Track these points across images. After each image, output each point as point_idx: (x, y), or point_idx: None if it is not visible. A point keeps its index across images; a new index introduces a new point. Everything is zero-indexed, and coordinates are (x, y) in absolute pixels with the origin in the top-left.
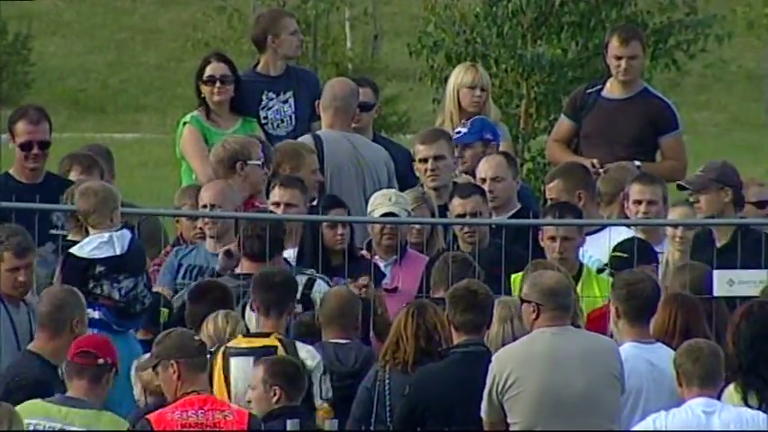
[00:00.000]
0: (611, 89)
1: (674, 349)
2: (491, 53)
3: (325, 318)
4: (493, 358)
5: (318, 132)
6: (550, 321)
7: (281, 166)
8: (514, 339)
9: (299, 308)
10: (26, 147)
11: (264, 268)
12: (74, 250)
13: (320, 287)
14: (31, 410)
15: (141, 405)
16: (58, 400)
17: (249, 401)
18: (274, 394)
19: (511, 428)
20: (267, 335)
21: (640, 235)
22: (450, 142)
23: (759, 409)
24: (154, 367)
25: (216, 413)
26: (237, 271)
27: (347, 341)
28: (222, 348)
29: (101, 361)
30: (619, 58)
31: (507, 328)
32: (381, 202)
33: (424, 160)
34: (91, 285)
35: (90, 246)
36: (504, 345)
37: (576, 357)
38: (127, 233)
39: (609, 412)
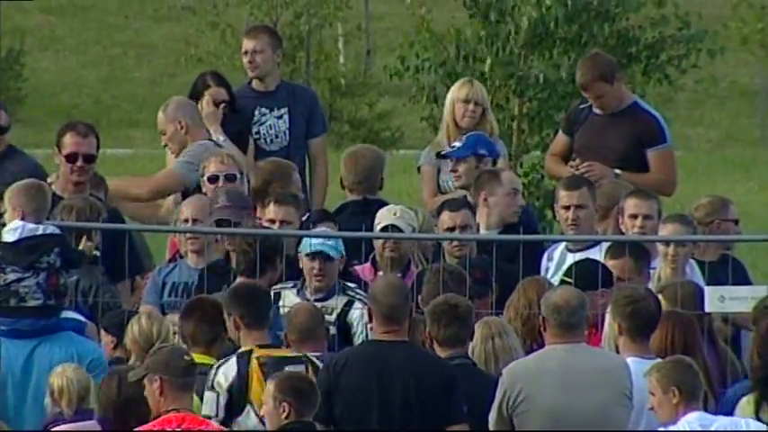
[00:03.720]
0: None
1: None
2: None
3: (298, 334)
4: (504, 372)
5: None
6: (557, 337)
7: (271, 185)
8: (496, 357)
9: (333, 329)
10: (72, 158)
11: (242, 282)
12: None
13: (355, 313)
14: None
15: (49, 411)
16: None
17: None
18: (284, 410)
19: None
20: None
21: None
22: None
23: None
24: (141, 378)
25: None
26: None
27: (321, 353)
28: (255, 358)
29: None
30: (567, 209)
31: (488, 346)
32: (386, 216)
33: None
34: None
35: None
36: (486, 363)
37: (588, 375)
38: (35, 227)
39: (619, 430)
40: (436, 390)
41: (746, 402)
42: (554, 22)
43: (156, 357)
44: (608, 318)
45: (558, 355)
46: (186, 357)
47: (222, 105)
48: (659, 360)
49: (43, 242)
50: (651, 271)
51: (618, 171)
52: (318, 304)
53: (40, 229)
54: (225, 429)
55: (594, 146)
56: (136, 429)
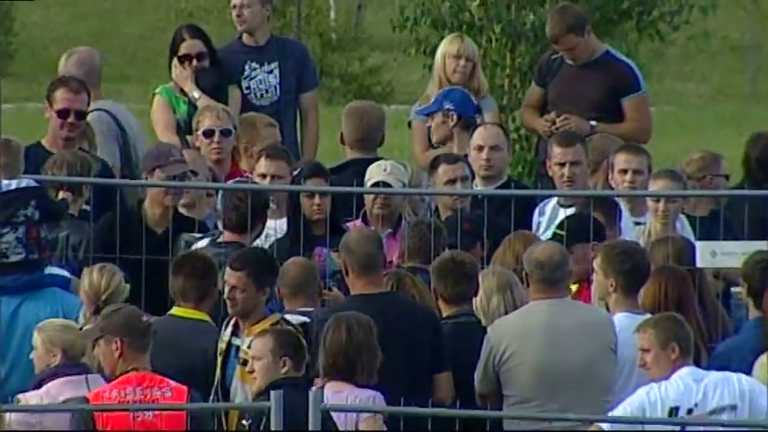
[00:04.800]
0: None
1: None
2: (476, 22)
3: (290, 288)
4: (489, 329)
5: (107, 107)
6: (540, 293)
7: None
8: (506, 311)
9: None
10: (63, 114)
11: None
12: None
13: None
14: None
15: (39, 368)
16: None
17: (251, 372)
18: (284, 365)
19: (506, 401)
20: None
21: (623, 204)
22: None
23: None
24: (96, 340)
25: (154, 390)
26: (219, 240)
27: (312, 309)
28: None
29: None
30: (562, 165)
31: (508, 296)
32: (376, 172)
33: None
34: None
35: None
36: (493, 316)
37: (574, 330)
38: (8, 182)
39: (605, 385)
40: (426, 339)
41: (763, 363)
42: None
43: (114, 319)
44: (597, 271)
45: (542, 311)
46: (144, 318)
47: (196, 58)
48: (648, 315)
49: (18, 196)
50: (642, 227)
51: (593, 123)
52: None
53: (14, 184)
54: (184, 387)
55: (568, 96)
56: (100, 388)
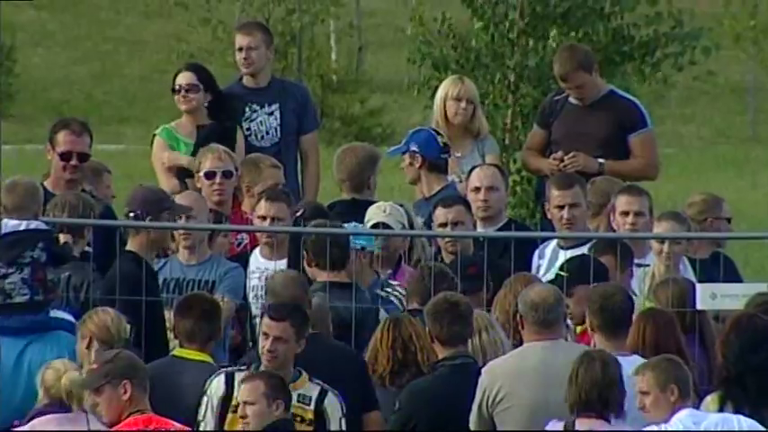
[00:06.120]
0: None
1: None
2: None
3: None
4: (483, 371)
5: None
6: (535, 334)
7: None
8: (484, 352)
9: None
10: (66, 156)
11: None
12: None
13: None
14: None
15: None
16: None
17: (243, 417)
18: (277, 407)
19: None
20: None
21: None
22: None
23: None
24: (101, 386)
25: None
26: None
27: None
28: None
29: None
30: (561, 208)
31: (476, 341)
32: (375, 213)
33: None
34: None
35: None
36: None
37: (567, 372)
38: (18, 223)
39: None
40: (351, 380)
41: (711, 401)
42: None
43: (119, 363)
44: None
45: (536, 352)
46: (141, 360)
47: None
48: (637, 357)
49: (26, 237)
50: (645, 268)
51: (601, 160)
52: None
53: (23, 225)
54: (188, 429)
55: (574, 135)
56: (115, 428)
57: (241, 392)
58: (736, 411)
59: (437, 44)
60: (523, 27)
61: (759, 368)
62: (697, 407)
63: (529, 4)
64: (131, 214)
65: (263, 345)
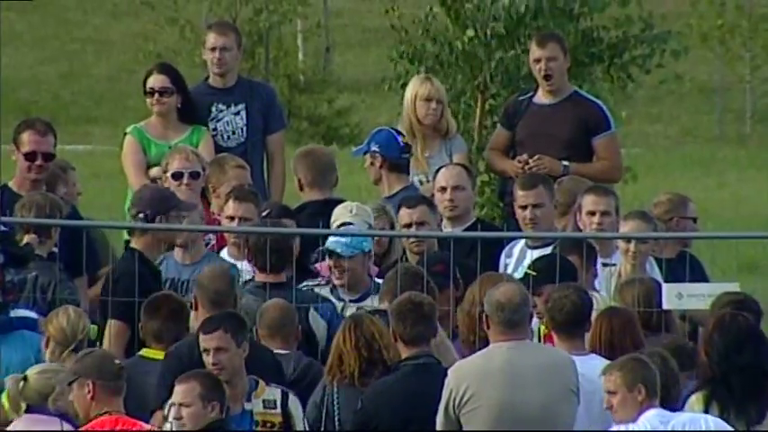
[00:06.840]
0: (542, 95)
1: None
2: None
3: (268, 329)
4: (449, 372)
5: None
6: (500, 335)
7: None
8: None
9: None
10: (31, 156)
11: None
12: None
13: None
14: None
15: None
16: None
17: (179, 418)
18: (212, 409)
19: None
20: None
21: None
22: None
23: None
24: (70, 383)
25: None
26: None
27: (287, 352)
28: None
29: None
30: (538, 61)
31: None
32: (342, 213)
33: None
34: None
35: None
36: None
37: (534, 372)
38: None
39: (565, 427)
40: (269, 375)
41: (695, 400)
42: (524, 9)
43: (87, 361)
44: None
45: (502, 353)
46: (116, 362)
47: (159, 92)
48: (593, 356)
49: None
50: (611, 268)
51: (566, 163)
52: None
53: None
54: (156, 430)
55: (539, 135)
56: (83, 429)
57: (176, 394)
58: (722, 411)
59: (414, 41)
60: (503, 33)
61: (744, 367)
62: (682, 407)
63: (507, 12)
64: (140, 215)
65: (207, 360)
